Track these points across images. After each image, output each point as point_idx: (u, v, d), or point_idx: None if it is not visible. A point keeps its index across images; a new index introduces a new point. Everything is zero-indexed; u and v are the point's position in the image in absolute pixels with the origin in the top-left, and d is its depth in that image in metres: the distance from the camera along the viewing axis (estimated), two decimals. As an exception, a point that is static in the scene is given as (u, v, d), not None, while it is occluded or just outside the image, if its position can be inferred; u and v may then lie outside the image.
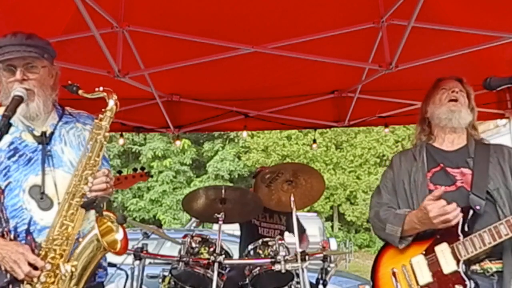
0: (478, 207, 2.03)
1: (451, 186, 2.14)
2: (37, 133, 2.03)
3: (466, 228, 2.02)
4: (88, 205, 1.88)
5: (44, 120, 2.06)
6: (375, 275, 2.27)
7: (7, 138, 1.95)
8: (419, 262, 2.09)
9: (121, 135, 5.03)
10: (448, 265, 2.01)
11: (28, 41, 1.98)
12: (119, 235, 1.93)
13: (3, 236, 1.91)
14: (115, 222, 1.94)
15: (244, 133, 5.25)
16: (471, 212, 2.03)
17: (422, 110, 2.41)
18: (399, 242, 2.15)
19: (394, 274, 2.15)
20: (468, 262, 1.99)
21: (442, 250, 2.05)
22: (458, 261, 1.99)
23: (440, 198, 2.01)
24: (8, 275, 1.83)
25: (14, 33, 1.98)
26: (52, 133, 2.05)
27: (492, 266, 1.98)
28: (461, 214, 2.01)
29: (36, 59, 1.99)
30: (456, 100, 2.26)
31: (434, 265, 2.05)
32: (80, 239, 1.91)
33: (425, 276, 2.06)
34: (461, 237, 2.01)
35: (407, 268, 2.12)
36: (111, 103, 2.03)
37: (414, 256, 2.12)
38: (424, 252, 2.11)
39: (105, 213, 1.92)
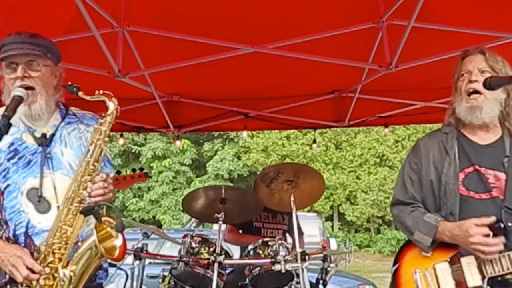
0: (510, 224, 1.86)
1: (486, 193, 1.96)
2: (38, 135, 2.01)
3: None
4: (86, 212, 1.88)
5: (46, 120, 2.04)
6: (396, 272, 2.18)
7: (7, 139, 1.94)
8: (443, 270, 2.03)
9: (121, 135, 5.04)
10: (473, 279, 1.94)
11: (31, 39, 1.98)
12: (118, 241, 1.92)
13: (2, 238, 1.91)
14: (114, 228, 1.93)
15: (244, 133, 5.24)
16: (501, 225, 1.88)
17: (453, 90, 2.15)
18: (427, 250, 2.07)
19: (417, 275, 2.08)
20: (493, 277, 1.90)
21: (469, 263, 1.97)
22: (483, 277, 1.92)
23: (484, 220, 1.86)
24: (7, 276, 1.84)
25: (19, 32, 1.99)
26: (53, 135, 2.03)
27: None
28: (497, 252, 1.86)
29: (38, 57, 1.98)
30: (476, 92, 2.00)
31: (458, 275, 1.99)
32: (79, 243, 1.91)
33: (448, 285, 2.00)
34: None
35: (431, 272, 2.06)
36: (111, 107, 2.00)
37: (438, 262, 2.05)
38: (449, 260, 2.02)
39: (104, 218, 1.90)
